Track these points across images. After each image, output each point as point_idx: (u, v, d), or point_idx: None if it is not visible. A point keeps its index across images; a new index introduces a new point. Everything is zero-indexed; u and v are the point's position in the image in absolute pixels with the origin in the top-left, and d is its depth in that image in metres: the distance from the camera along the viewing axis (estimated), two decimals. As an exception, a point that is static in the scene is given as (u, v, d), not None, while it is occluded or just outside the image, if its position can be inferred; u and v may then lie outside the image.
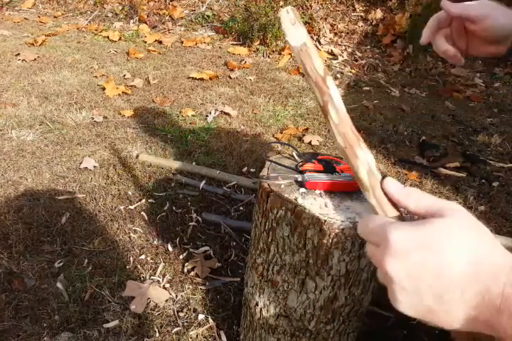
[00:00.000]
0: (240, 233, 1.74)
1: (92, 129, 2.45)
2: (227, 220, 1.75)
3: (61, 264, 1.54)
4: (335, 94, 0.44)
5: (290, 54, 3.90)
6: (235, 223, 1.76)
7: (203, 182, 1.99)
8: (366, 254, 0.43)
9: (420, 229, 0.38)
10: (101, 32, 4.22)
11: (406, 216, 0.44)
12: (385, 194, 0.44)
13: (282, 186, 0.83)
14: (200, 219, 1.80)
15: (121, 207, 1.84)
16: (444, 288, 0.37)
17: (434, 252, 0.37)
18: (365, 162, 0.44)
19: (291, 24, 0.43)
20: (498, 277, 0.35)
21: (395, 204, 0.44)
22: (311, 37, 4.25)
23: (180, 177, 2.03)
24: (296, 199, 0.78)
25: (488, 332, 0.36)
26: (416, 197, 0.42)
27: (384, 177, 0.45)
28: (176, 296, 1.46)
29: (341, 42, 4.26)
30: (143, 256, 1.61)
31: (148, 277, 1.52)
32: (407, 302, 0.39)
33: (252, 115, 2.77)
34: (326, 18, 4.39)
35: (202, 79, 3.25)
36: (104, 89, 2.93)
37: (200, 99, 2.95)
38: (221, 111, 2.77)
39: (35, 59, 3.39)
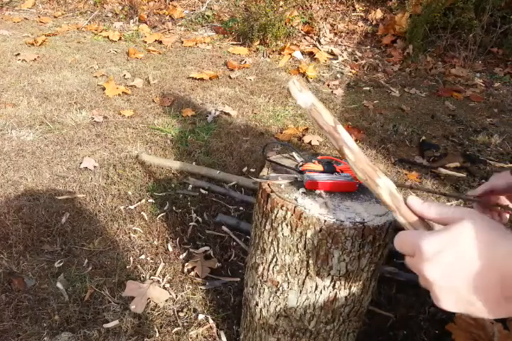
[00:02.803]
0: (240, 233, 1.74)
1: (92, 129, 2.45)
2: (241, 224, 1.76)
3: (61, 264, 1.54)
4: (347, 138, 0.51)
5: (290, 54, 3.90)
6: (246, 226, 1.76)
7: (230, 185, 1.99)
8: (409, 267, 0.48)
9: (445, 232, 0.44)
10: (101, 32, 4.22)
11: (432, 226, 0.50)
12: (411, 210, 0.50)
13: (282, 186, 0.83)
14: (200, 219, 1.80)
15: (121, 207, 1.84)
16: (475, 279, 0.41)
17: (459, 249, 0.42)
18: (385, 188, 0.50)
19: (299, 91, 0.51)
20: None
21: (421, 218, 0.50)
22: (311, 37, 4.25)
23: (204, 183, 2.02)
24: (296, 199, 0.78)
25: None
26: (436, 209, 0.48)
27: (405, 198, 0.52)
28: (176, 296, 1.46)
29: (341, 42, 4.26)
30: (143, 256, 1.61)
31: (148, 277, 1.52)
32: (448, 299, 0.43)
33: (252, 115, 2.77)
34: (326, 18, 4.39)
35: (202, 79, 3.26)
36: (104, 89, 2.93)
37: (200, 99, 2.95)
38: (221, 111, 2.77)
39: (35, 59, 3.39)
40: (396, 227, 0.81)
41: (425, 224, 0.50)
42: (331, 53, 4.05)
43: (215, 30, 4.45)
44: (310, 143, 2.46)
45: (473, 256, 0.41)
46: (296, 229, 0.78)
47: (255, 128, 2.62)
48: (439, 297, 0.44)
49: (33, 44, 3.72)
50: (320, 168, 0.84)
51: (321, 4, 4.46)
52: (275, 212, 0.80)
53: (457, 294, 0.42)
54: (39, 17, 4.59)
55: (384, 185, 0.50)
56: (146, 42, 4.03)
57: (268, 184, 0.83)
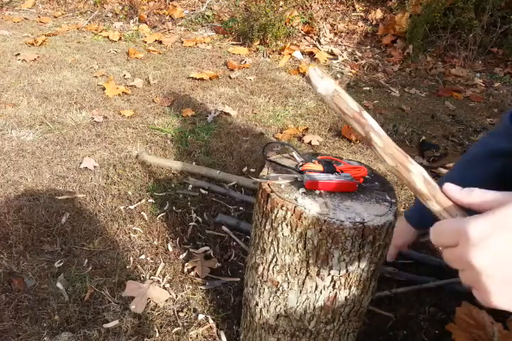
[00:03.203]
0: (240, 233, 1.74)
1: (92, 129, 2.45)
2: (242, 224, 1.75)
3: (61, 264, 1.54)
4: (373, 123, 0.49)
5: (290, 54, 3.90)
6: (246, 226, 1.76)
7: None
8: (447, 262, 0.43)
9: (492, 215, 0.38)
10: (101, 32, 4.23)
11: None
12: (448, 198, 0.46)
13: (282, 186, 0.83)
14: (200, 219, 1.80)
15: (121, 207, 1.84)
16: None
17: (510, 233, 0.36)
18: (419, 174, 0.47)
19: (320, 78, 0.49)
20: None
21: (460, 206, 0.46)
22: (311, 37, 4.25)
23: (204, 183, 2.03)
24: (296, 199, 0.78)
25: None
26: (479, 194, 0.43)
27: (441, 183, 0.48)
28: (176, 296, 1.46)
29: (341, 42, 4.26)
30: (143, 256, 1.61)
31: (148, 277, 1.52)
32: (502, 292, 0.38)
33: (252, 115, 2.78)
34: (326, 18, 4.39)
35: (202, 79, 3.26)
36: (104, 89, 2.93)
37: (200, 99, 2.95)
38: (221, 111, 2.77)
39: (35, 59, 3.39)
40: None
41: (464, 211, 0.45)
42: (331, 53, 4.05)
43: (215, 30, 4.45)
44: (310, 143, 2.46)
45: None
46: (296, 229, 0.78)
47: (255, 128, 2.62)
48: (489, 289, 0.38)
49: (33, 44, 3.72)
50: (320, 168, 0.84)
51: (321, 4, 4.46)
52: (275, 212, 0.80)
53: None
54: (39, 17, 4.59)
55: (417, 171, 0.47)
56: (146, 42, 4.03)
57: (268, 184, 0.83)
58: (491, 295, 0.37)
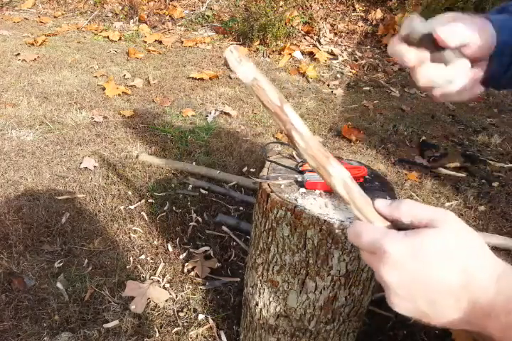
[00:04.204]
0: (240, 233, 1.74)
1: (92, 129, 2.45)
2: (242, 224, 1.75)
3: (61, 264, 1.54)
4: (295, 120, 0.44)
5: (290, 54, 3.91)
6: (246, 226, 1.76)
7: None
8: (362, 259, 0.45)
9: (414, 239, 0.40)
10: (101, 32, 4.22)
11: (396, 223, 0.45)
12: (380, 214, 0.46)
13: (282, 186, 0.83)
14: (200, 219, 1.80)
15: (121, 207, 1.84)
16: (436, 296, 0.39)
17: (425, 263, 0.39)
18: (339, 178, 0.45)
19: (237, 62, 0.43)
20: (488, 287, 0.38)
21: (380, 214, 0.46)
22: (311, 37, 4.25)
23: (204, 183, 2.03)
24: (296, 200, 0.78)
25: (478, 330, 0.39)
26: (408, 208, 0.43)
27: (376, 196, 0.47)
28: (176, 296, 1.46)
29: (341, 42, 4.26)
30: (143, 256, 1.61)
31: (148, 277, 1.52)
32: (403, 306, 0.42)
33: (252, 115, 2.78)
34: (326, 18, 4.39)
35: (202, 79, 3.25)
36: (104, 89, 2.93)
37: (200, 99, 2.95)
38: (221, 111, 2.77)
39: (35, 59, 3.39)
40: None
41: (385, 220, 0.45)
42: (331, 53, 4.04)
43: (215, 30, 4.45)
44: (310, 143, 2.46)
45: (443, 274, 0.38)
46: (296, 229, 0.78)
47: (255, 128, 2.62)
48: (392, 301, 0.42)
49: (33, 44, 3.72)
50: (320, 168, 0.84)
51: (321, 4, 4.46)
52: (275, 212, 0.80)
53: (413, 305, 0.41)
54: (39, 17, 4.59)
55: (337, 175, 0.45)
56: (146, 42, 4.03)
57: (268, 184, 0.83)
58: (394, 304, 0.42)
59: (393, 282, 0.41)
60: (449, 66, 0.57)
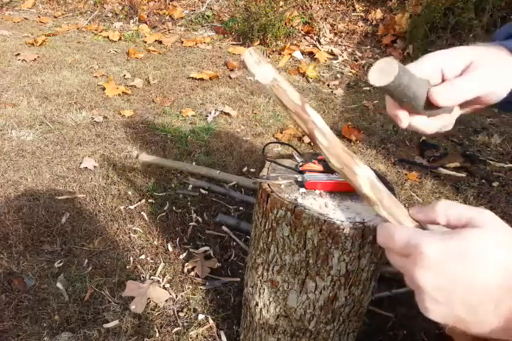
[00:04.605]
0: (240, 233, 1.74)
1: (92, 129, 2.45)
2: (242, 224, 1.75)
3: (61, 264, 1.54)
4: (317, 119, 0.43)
5: (290, 54, 3.90)
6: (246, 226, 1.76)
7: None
8: (391, 262, 0.43)
9: (453, 241, 0.38)
10: (101, 32, 4.22)
11: (426, 225, 0.43)
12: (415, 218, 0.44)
13: (282, 186, 0.83)
14: (200, 219, 1.80)
15: (121, 207, 1.84)
16: (477, 301, 0.37)
17: (468, 265, 0.37)
18: (365, 177, 0.44)
19: (256, 64, 0.43)
20: None
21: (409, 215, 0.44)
22: (311, 37, 4.25)
23: (204, 183, 2.03)
24: (296, 200, 0.78)
25: None
26: (444, 208, 0.42)
27: (390, 188, 0.45)
28: (176, 296, 1.46)
29: (341, 42, 4.26)
30: (143, 256, 1.61)
31: (148, 277, 1.52)
32: (438, 311, 0.39)
33: (252, 115, 2.77)
34: (326, 18, 4.39)
35: (202, 79, 3.25)
36: (104, 89, 2.93)
37: (200, 99, 2.95)
38: (221, 111, 2.77)
39: (35, 59, 3.39)
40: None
41: (415, 221, 0.43)
42: (331, 53, 4.04)
43: (215, 30, 4.45)
44: (310, 143, 2.46)
45: (485, 277, 0.36)
46: (296, 229, 0.78)
47: (255, 128, 2.62)
48: (427, 306, 0.40)
49: (33, 44, 3.72)
50: (320, 168, 0.84)
51: (321, 4, 4.46)
52: (275, 212, 0.80)
53: (450, 310, 0.38)
54: (39, 17, 4.59)
55: (363, 174, 0.44)
56: (146, 42, 4.03)
57: (268, 184, 0.83)
58: (427, 309, 0.40)
59: (429, 285, 0.38)
60: (439, 117, 0.54)
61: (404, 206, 1.54)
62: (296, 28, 4.19)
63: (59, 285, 1.45)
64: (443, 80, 0.53)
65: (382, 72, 0.46)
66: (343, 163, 0.43)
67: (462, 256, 0.37)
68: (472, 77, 0.50)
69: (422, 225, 0.43)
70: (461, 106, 0.55)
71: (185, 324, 1.36)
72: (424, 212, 0.43)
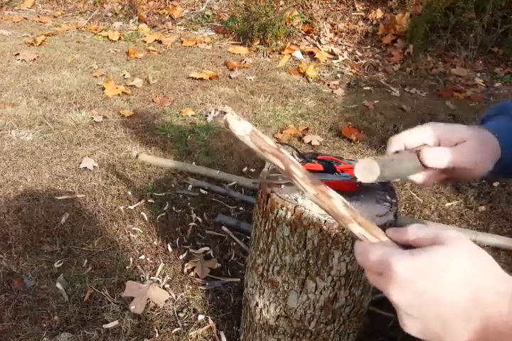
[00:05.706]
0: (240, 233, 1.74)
1: (92, 129, 2.45)
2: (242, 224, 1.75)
3: (61, 264, 1.53)
4: (291, 156, 0.52)
5: (290, 54, 3.90)
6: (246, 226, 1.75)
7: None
8: (369, 281, 0.45)
9: (421, 258, 0.39)
10: (100, 32, 4.22)
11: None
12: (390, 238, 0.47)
13: (282, 186, 0.82)
14: (200, 219, 1.80)
15: (121, 207, 1.84)
16: (448, 316, 0.38)
17: (436, 281, 0.38)
18: (338, 199, 0.50)
19: (237, 121, 0.54)
20: (500, 305, 0.37)
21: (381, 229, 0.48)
22: (311, 37, 4.25)
23: (204, 183, 2.03)
24: (296, 200, 0.78)
25: None
26: (415, 229, 0.44)
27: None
28: (176, 297, 1.45)
29: (341, 42, 4.26)
30: (143, 257, 1.60)
31: (147, 277, 1.51)
32: (413, 327, 0.40)
33: (252, 115, 2.77)
34: (326, 18, 4.39)
35: (202, 79, 3.25)
36: (103, 89, 2.92)
37: (200, 99, 2.94)
38: (221, 111, 2.76)
39: (34, 59, 3.39)
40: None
41: (384, 234, 0.47)
42: (331, 53, 4.04)
43: (215, 29, 4.45)
44: (310, 143, 2.46)
45: (453, 292, 0.38)
46: (296, 229, 0.78)
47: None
48: (404, 322, 0.41)
49: (32, 44, 3.72)
50: (320, 167, 0.84)
51: (321, 4, 4.45)
52: (275, 212, 0.80)
53: (425, 326, 0.40)
54: (39, 17, 4.58)
55: (336, 197, 0.50)
56: (145, 42, 4.03)
57: (268, 184, 0.82)
58: (405, 326, 0.41)
59: (403, 302, 0.40)
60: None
61: (405, 206, 1.54)
62: (297, 27, 4.19)
63: (58, 285, 1.44)
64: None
65: (366, 170, 0.59)
66: (317, 189, 0.50)
67: (428, 272, 0.38)
68: (460, 148, 0.59)
69: (396, 242, 0.46)
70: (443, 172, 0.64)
71: (185, 324, 1.36)
72: (398, 232, 0.45)
